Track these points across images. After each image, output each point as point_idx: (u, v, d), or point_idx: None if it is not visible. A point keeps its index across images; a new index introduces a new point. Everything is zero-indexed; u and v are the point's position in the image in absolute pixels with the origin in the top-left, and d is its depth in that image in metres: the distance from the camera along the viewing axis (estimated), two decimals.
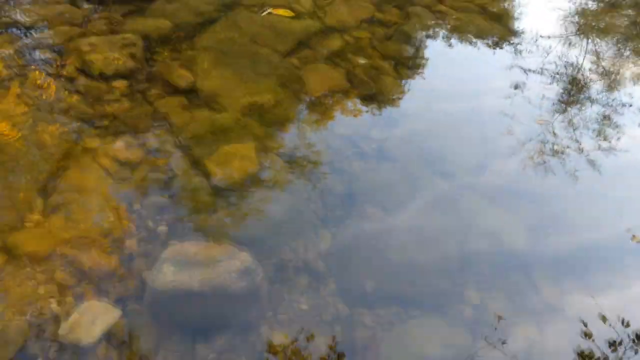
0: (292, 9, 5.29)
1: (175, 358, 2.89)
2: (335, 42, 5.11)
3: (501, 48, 5.62)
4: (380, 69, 4.96)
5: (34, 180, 3.56)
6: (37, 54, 4.50)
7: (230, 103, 4.31)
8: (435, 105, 4.67)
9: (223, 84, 4.46)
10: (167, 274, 2.96)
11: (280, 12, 5.12)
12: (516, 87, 5.04)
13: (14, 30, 4.73)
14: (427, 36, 5.61)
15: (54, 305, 2.99)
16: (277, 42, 4.90)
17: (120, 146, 3.89)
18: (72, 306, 3.00)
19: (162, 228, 3.46)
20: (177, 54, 4.72)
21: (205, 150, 3.96)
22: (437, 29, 5.73)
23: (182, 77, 4.45)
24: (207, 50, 4.74)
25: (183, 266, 3.02)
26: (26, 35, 4.68)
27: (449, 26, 5.79)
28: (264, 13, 5.07)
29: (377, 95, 4.69)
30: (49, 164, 3.66)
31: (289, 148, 4.09)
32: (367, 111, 4.55)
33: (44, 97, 4.13)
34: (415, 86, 4.91)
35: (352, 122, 4.42)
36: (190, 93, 4.38)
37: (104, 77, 4.35)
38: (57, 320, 2.93)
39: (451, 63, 5.32)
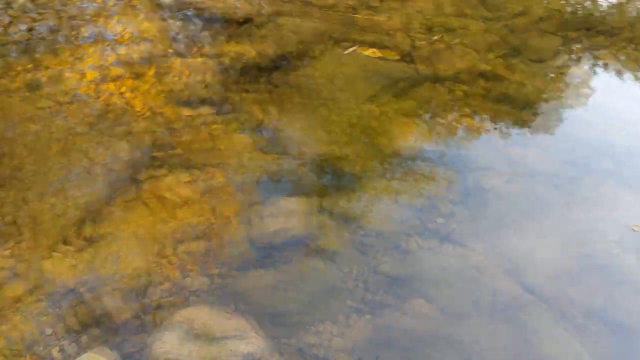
0: (385, 48, 4.90)
1: None
2: (424, 92, 4.65)
3: None
4: (471, 129, 4.44)
5: (77, 206, 3.50)
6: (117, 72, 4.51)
7: (296, 149, 4.03)
8: (533, 187, 4.03)
9: (292, 126, 4.18)
10: (165, 344, 2.73)
11: (367, 51, 4.76)
12: None
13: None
14: (539, 98, 4.94)
15: (55, 352, 2.88)
16: (358, 85, 4.54)
17: (171, 181, 3.74)
18: (72, 356, 2.86)
19: (188, 280, 3.25)
20: (254, 85, 4.52)
21: (257, 199, 3.71)
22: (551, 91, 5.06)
23: (252, 113, 4.24)
24: (283, 87, 4.49)
25: (186, 337, 2.78)
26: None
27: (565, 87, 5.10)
28: (349, 50, 4.73)
29: (462, 162, 4.17)
30: (94, 193, 3.59)
31: (344, 210, 3.73)
32: (444, 179, 4.06)
33: (108, 116, 4.10)
34: (516, 159, 4.28)
35: (424, 189, 3.95)
36: (259, 132, 4.15)
37: (176, 100, 4.25)
38: None
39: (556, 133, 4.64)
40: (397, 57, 4.81)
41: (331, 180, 3.93)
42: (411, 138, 4.22)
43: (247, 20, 5.10)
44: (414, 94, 4.59)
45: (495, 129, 4.49)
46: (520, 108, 4.69)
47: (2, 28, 4.85)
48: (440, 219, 3.71)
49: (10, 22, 4.93)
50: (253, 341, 2.78)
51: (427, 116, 4.48)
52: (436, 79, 4.80)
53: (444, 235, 3.62)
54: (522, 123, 4.57)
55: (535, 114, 4.68)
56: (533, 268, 3.44)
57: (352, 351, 2.99)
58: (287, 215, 3.60)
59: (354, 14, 5.26)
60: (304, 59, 4.75)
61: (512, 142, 4.39)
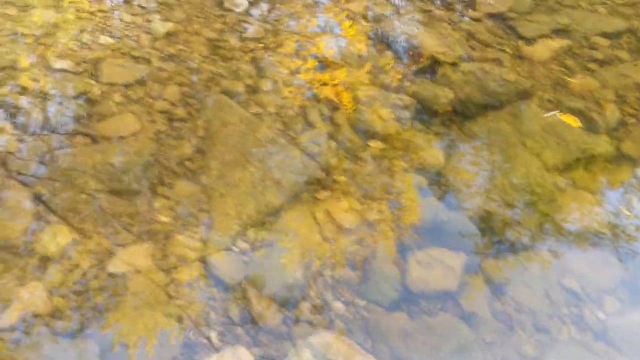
0: (589, 118, 4.67)
1: None
2: (621, 175, 4.35)
3: None
4: None
5: (254, 209, 3.92)
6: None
7: (467, 203, 4.06)
8: None
9: (468, 177, 4.22)
10: None
11: (568, 119, 4.56)
12: None
13: None
14: None
15: (200, 338, 3.29)
16: (548, 151, 4.39)
17: (341, 207, 4.01)
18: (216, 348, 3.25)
19: (337, 305, 3.48)
20: (445, 128, 4.61)
21: (418, 243, 3.82)
22: None
23: (433, 157, 4.35)
24: (472, 137, 4.51)
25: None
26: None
27: None
28: (549, 114, 4.58)
29: None
30: (274, 198, 3.98)
31: (502, 277, 3.69)
32: (618, 268, 3.80)
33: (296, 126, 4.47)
34: None
35: (592, 278, 3.74)
36: (434, 175, 4.25)
37: (362, 132, 4.51)
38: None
39: None
40: (601, 131, 4.56)
41: (496, 242, 3.89)
42: (593, 222, 4.00)
43: (453, 63, 5.18)
44: (608, 174, 4.33)
45: None
46: None
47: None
48: (601, 314, 3.51)
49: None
50: None
51: (617, 200, 4.20)
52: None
53: (599, 331, 3.42)
54: None
55: None
56: None
57: None
58: (444, 267, 3.66)
59: (567, 76, 5.07)
60: (502, 114, 4.72)
61: None
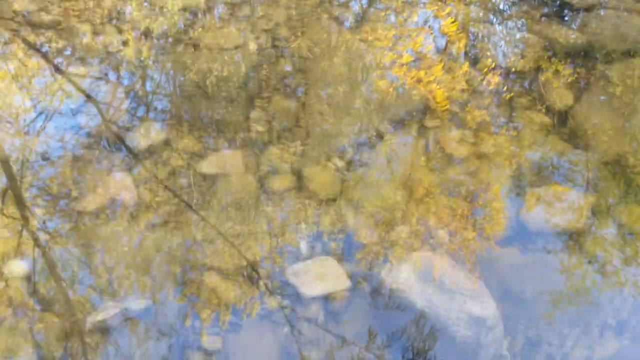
0: None
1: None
2: None
3: None
4: None
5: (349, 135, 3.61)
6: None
7: (582, 146, 3.57)
8: None
9: (598, 122, 3.70)
10: (400, 277, 2.63)
11: None
12: None
13: None
14: None
15: (293, 247, 3.01)
16: None
17: (452, 137, 3.62)
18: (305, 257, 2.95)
19: (441, 234, 3.10)
20: (575, 70, 4.10)
21: (537, 181, 3.37)
22: None
23: (561, 97, 3.86)
24: (604, 81, 3.98)
25: (421, 277, 2.64)
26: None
27: None
28: None
29: None
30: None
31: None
32: None
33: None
34: None
35: None
36: (560, 115, 3.77)
37: (479, 64, 4.09)
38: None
39: None
40: None
41: (625, 186, 3.37)
42: None
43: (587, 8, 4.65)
44: None
45: None
46: None
47: None
48: None
49: None
50: (488, 307, 2.53)
51: None
52: None
53: None
54: None
55: None
56: None
57: None
58: (562, 206, 3.19)
59: None
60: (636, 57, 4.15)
61: None
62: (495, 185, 3.36)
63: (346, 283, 2.80)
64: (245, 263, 2.90)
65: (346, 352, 2.59)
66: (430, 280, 2.64)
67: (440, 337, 2.51)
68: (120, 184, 3.23)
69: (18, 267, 2.80)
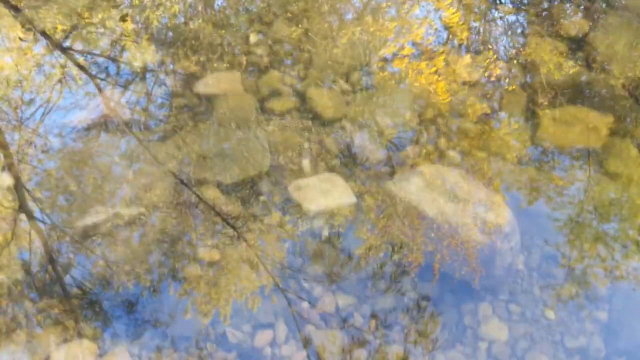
0: None
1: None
2: None
3: None
4: None
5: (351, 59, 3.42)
6: None
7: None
8: None
9: (615, 49, 3.52)
10: (411, 187, 2.47)
11: None
12: None
13: None
14: None
15: (296, 162, 2.84)
16: None
17: (464, 61, 3.43)
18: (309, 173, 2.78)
19: (450, 154, 2.92)
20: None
21: (547, 102, 3.20)
22: None
23: (575, 24, 3.67)
24: (619, 9, 3.80)
25: (433, 187, 2.48)
26: None
27: None
28: None
29: None
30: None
31: None
32: None
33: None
34: None
35: None
36: (575, 42, 3.58)
37: None
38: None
39: None
40: None
41: None
42: None
43: None
44: None
45: None
46: None
47: None
48: None
49: None
50: (503, 215, 2.36)
51: None
52: None
53: None
54: None
55: None
56: None
57: None
58: (586, 126, 3.03)
59: None
60: None
61: None
62: (509, 106, 3.19)
63: (352, 198, 2.63)
64: (244, 177, 2.73)
65: (352, 265, 2.44)
66: (443, 191, 2.48)
67: (455, 244, 2.35)
68: (114, 101, 3.06)
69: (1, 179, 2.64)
